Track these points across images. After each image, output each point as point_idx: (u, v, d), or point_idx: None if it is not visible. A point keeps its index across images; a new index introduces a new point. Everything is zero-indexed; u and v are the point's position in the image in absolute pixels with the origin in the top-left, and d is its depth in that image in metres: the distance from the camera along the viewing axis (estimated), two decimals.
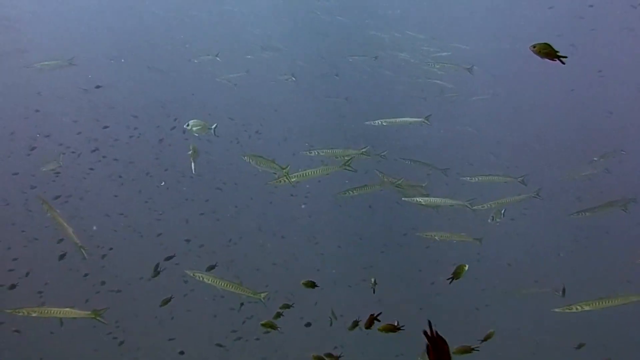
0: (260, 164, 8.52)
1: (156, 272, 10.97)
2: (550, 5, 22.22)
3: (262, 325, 7.85)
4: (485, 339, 6.92)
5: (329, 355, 7.41)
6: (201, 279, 7.81)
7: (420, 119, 11.11)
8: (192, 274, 7.87)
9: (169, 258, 12.06)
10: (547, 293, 14.61)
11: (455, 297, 16.44)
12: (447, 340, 2.81)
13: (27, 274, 13.05)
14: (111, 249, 14.48)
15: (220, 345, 13.50)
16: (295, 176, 8.00)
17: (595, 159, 13.29)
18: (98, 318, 7.43)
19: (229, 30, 25.74)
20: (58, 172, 13.22)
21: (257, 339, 13.34)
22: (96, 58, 22.39)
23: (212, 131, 9.00)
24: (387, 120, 10.87)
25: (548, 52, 4.63)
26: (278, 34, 25.72)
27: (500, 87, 24.79)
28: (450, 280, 6.48)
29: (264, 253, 17.58)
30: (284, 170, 8.30)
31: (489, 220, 10.90)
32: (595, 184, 15.06)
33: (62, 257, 11.98)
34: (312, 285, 7.64)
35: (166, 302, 10.78)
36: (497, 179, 11.33)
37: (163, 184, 16.54)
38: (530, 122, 25.27)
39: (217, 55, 18.87)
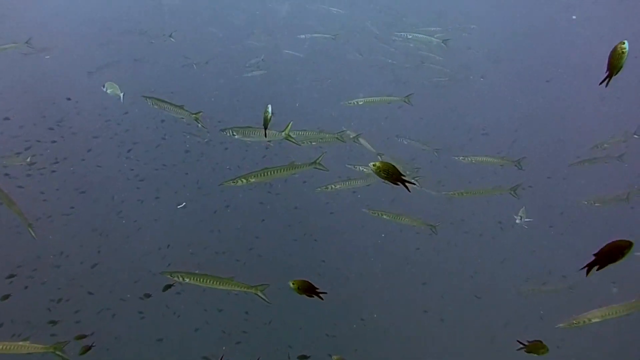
0: (250, 135, 7.39)
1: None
2: None
3: None
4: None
5: None
6: (182, 279, 6.64)
7: (400, 98, 10.14)
8: (169, 275, 6.69)
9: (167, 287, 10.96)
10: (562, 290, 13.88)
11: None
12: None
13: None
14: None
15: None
16: (254, 175, 6.76)
17: (606, 145, 12.23)
18: (58, 353, 6.31)
19: (214, 17, 24.94)
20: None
21: None
22: (76, 47, 21.46)
23: (120, 98, 9.50)
24: (364, 99, 9.93)
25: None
26: (268, 22, 25.03)
27: (493, 69, 23.98)
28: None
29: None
30: (283, 133, 7.34)
31: (517, 221, 10.23)
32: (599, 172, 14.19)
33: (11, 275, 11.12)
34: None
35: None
36: (491, 161, 10.35)
37: (184, 204, 15.43)
38: (526, 105, 24.50)
39: (170, 35, 18.26)
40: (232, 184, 6.82)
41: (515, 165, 10.41)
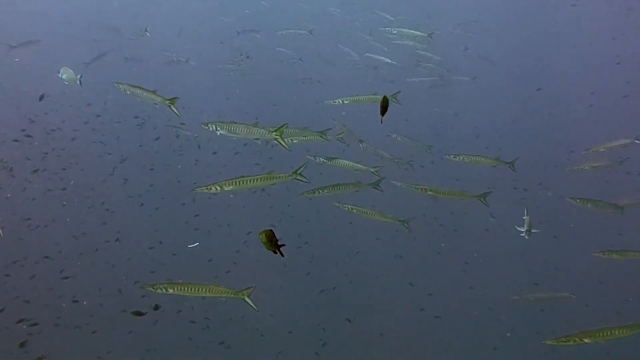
0: (235, 131, 6.89)
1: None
2: None
3: None
4: None
5: None
6: (164, 290, 6.38)
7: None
8: (152, 288, 6.43)
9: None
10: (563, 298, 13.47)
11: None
12: None
13: None
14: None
15: None
16: (229, 183, 6.37)
17: (602, 150, 11.65)
18: None
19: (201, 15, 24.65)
20: None
21: None
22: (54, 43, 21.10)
23: (78, 81, 9.17)
24: (349, 98, 9.41)
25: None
26: (255, 19, 24.77)
27: (485, 69, 23.75)
28: None
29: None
30: (273, 134, 6.84)
31: (525, 236, 9.43)
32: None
33: None
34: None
35: None
36: (484, 161, 9.80)
37: (197, 244, 14.97)
38: (519, 107, 24.29)
39: (146, 30, 18.22)
40: (206, 190, 6.45)
41: (509, 167, 10.04)
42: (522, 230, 9.27)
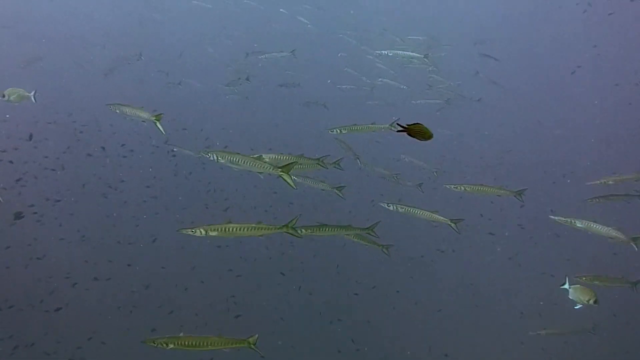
0: (237, 162, 6.64)
1: None
2: None
3: None
4: None
5: None
6: (165, 346, 6.30)
7: (385, 126, 9.15)
8: (152, 343, 6.33)
9: None
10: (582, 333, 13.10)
11: None
12: None
13: None
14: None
15: None
16: (215, 229, 6.17)
17: (611, 181, 11.07)
18: None
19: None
20: None
21: None
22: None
23: (32, 98, 8.91)
24: (347, 126, 8.98)
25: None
26: (260, 40, 24.82)
27: (487, 91, 23.60)
28: None
29: None
30: (279, 170, 6.66)
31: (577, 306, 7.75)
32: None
33: None
34: None
35: None
36: (488, 191, 9.11)
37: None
38: (530, 129, 24.03)
39: (140, 54, 18.74)
40: (191, 232, 6.24)
41: (516, 197, 9.60)
42: (581, 303, 7.63)
